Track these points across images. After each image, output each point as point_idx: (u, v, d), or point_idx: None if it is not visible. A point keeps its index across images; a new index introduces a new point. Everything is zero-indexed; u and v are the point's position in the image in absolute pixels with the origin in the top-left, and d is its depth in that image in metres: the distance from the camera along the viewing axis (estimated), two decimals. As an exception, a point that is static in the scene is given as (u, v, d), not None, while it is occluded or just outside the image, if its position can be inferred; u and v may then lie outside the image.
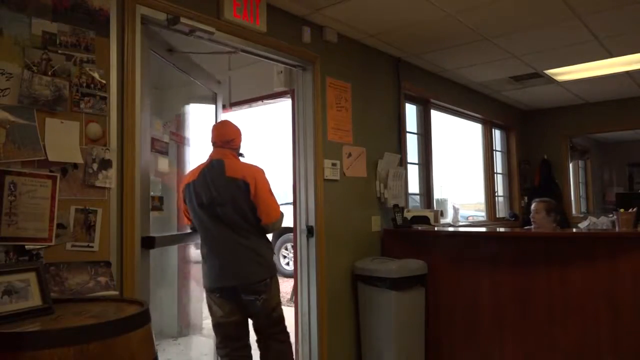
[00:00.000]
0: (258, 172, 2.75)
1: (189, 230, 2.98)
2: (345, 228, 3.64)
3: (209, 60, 4.25)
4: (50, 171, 2.03)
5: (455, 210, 4.70)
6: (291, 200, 3.60)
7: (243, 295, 2.69)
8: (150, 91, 2.61)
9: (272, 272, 2.76)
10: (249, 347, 2.85)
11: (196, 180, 2.74)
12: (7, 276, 1.67)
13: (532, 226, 4.16)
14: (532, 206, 4.15)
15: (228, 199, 2.67)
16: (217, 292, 2.74)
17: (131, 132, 2.34)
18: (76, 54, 2.15)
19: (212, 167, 2.74)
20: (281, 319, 2.84)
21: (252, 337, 2.91)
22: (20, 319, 1.59)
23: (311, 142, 3.42)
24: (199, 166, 2.82)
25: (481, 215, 6.48)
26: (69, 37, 2.13)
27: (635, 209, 3.08)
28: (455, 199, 6.19)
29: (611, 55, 4.43)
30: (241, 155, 2.92)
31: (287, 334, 2.89)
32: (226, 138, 2.80)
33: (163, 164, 3.03)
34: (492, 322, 3.38)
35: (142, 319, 1.64)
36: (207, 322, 4.87)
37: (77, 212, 2.11)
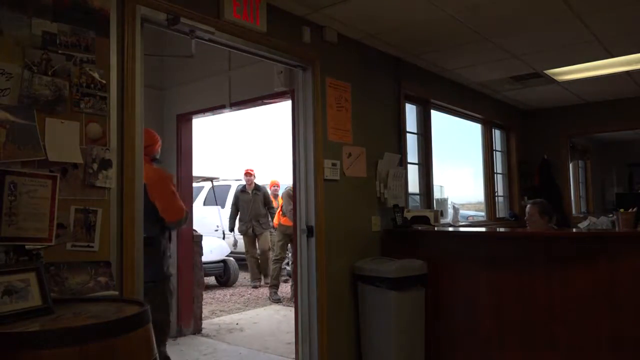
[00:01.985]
0: (158, 174, 2.93)
1: None
2: (346, 228, 3.64)
3: (209, 60, 4.27)
4: (50, 171, 2.03)
5: (455, 210, 4.70)
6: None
7: None
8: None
9: (155, 277, 2.82)
10: None
11: None
12: (7, 276, 1.66)
13: (527, 228, 4.15)
14: (526, 209, 4.15)
15: None
16: None
17: (131, 132, 2.35)
18: (76, 54, 2.15)
19: None
20: (163, 325, 2.85)
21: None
22: (20, 319, 1.59)
23: (311, 142, 3.42)
24: None
25: (481, 215, 6.48)
26: (69, 37, 2.13)
27: (635, 209, 3.08)
28: (455, 199, 6.19)
29: (611, 55, 4.43)
30: (157, 160, 3.12)
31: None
32: (145, 144, 2.98)
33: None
34: (492, 322, 3.38)
35: (142, 319, 1.64)
36: (207, 322, 4.89)
37: (77, 212, 2.11)
